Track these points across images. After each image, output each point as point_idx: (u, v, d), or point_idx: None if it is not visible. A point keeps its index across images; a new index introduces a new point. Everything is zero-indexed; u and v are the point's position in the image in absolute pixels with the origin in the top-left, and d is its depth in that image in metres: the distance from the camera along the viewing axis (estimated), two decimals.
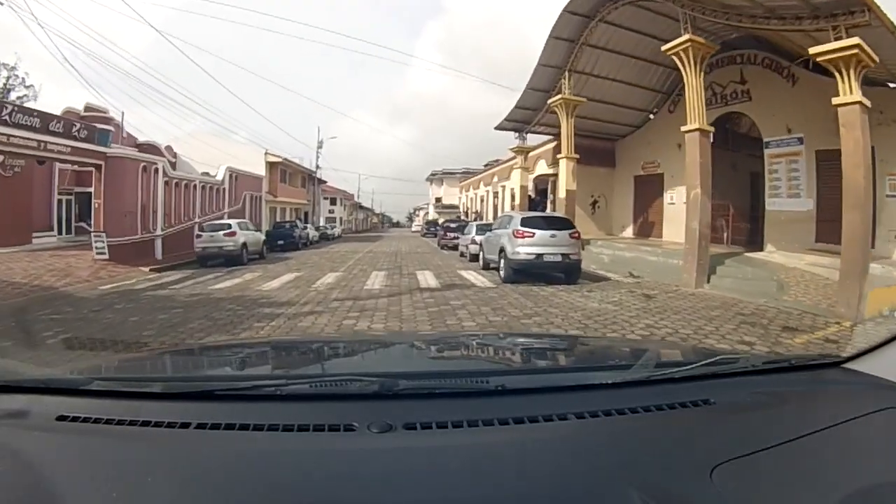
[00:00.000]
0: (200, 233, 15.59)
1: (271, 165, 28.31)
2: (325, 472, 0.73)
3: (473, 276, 11.09)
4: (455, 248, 20.06)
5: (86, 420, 0.85)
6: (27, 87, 27.36)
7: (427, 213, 62.97)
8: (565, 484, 0.70)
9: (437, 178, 58.38)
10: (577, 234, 10.20)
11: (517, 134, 18.24)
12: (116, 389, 1.00)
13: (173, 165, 25.34)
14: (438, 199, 57.05)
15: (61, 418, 0.86)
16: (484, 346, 1.81)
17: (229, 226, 15.34)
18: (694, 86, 11.52)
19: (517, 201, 18.48)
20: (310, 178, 36.60)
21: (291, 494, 0.68)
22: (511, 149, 18.44)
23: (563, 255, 9.76)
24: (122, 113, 19.81)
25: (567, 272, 10.04)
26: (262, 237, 17.63)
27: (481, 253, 12.44)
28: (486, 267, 11.94)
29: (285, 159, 28.71)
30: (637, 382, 1.05)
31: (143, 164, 16.97)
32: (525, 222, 9.95)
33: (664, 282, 10.86)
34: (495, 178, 29.42)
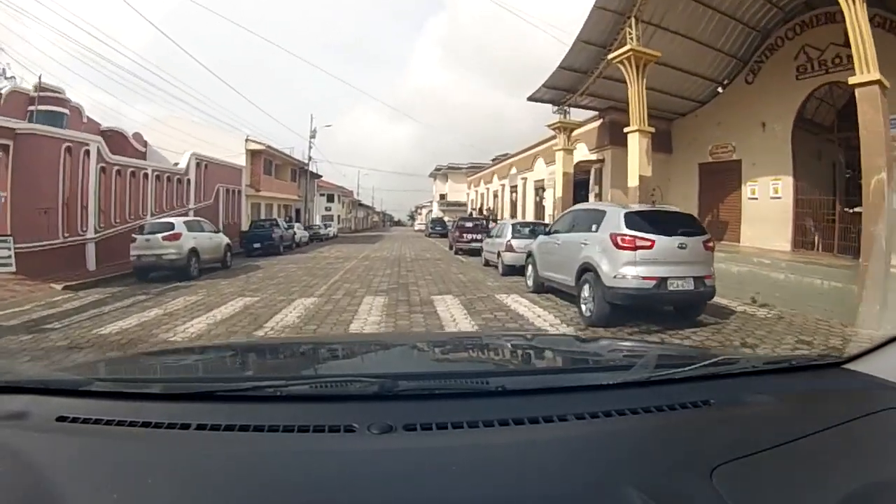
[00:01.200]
0: (136, 235, 11.55)
1: (253, 154, 24.20)
2: (326, 473, 0.72)
3: (528, 310, 7.05)
4: (474, 252, 15.96)
5: (86, 420, 0.84)
6: (7, 79, 24.06)
7: (430, 211, 59.24)
8: (565, 484, 0.70)
9: (441, 173, 54.32)
10: (711, 244, 6.11)
11: (556, 108, 14.11)
12: (116, 390, 0.99)
13: (143, 155, 21.54)
14: (443, 196, 53.12)
15: (61, 419, 0.85)
16: (484, 346, 1.79)
17: (171, 226, 11.30)
18: (859, 20, 7.56)
19: (558, 194, 14.29)
20: (302, 172, 32.45)
21: (291, 495, 0.67)
22: (550, 125, 14.31)
23: (695, 279, 5.67)
24: (40, 77, 15.76)
25: (690, 306, 5.98)
26: (225, 241, 13.53)
27: (530, 267, 8.40)
28: (540, 289, 7.86)
29: (269, 146, 24.55)
30: (637, 383, 1.03)
31: (67, 145, 12.91)
32: (633, 221, 5.73)
33: (813, 315, 6.90)
34: (513, 170, 25.24)
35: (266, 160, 25.26)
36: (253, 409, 0.90)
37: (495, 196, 29.73)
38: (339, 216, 53.44)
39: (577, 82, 13.11)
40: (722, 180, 14.97)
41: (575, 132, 16.07)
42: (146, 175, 16.00)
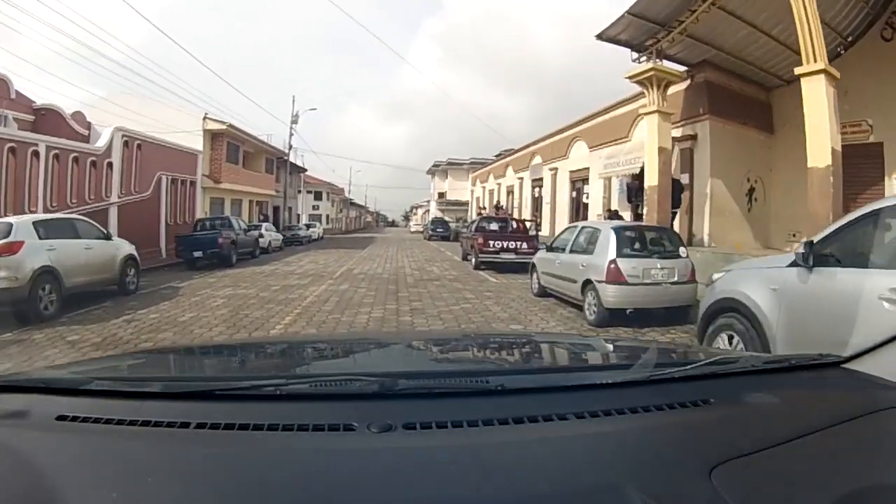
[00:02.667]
0: None
1: (213, 136, 19.34)
2: (325, 471, 0.71)
3: None
4: (504, 268, 11.34)
5: (86, 420, 0.83)
6: None
7: (427, 210, 54.67)
8: (565, 483, 0.69)
9: (440, 169, 49.57)
10: None
11: (638, 55, 9.47)
12: (116, 389, 0.98)
13: (86, 139, 16.79)
14: (442, 195, 48.47)
15: (61, 418, 0.84)
16: (484, 345, 1.75)
17: (5, 230, 6.54)
18: None
19: (650, 181, 9.18)
20: (281, 163, 27.54)
21: (291, 494, 0.67)
22: (634, 76, 9.43)
23: None
24: None
25: None
26: (125, 252, 8.67)
27: (734, 337, 3.33)
28: None
29: (233, 126, 19.45)
30: (637, 382, 1.02)
31: None
32: None
33: None
34: (535, 160, 20.56)
35: (230, 144, 20.31)
36: (253, 408, 0.89)
37: (509, 193, 25.03)
38: (327, 216, 48.77)
39: (677, 11, 8.50)
40: (852, 171, 10.56)
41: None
42: (37, 153, 11.20)
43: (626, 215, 13.46)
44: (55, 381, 1.06)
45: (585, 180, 15.72)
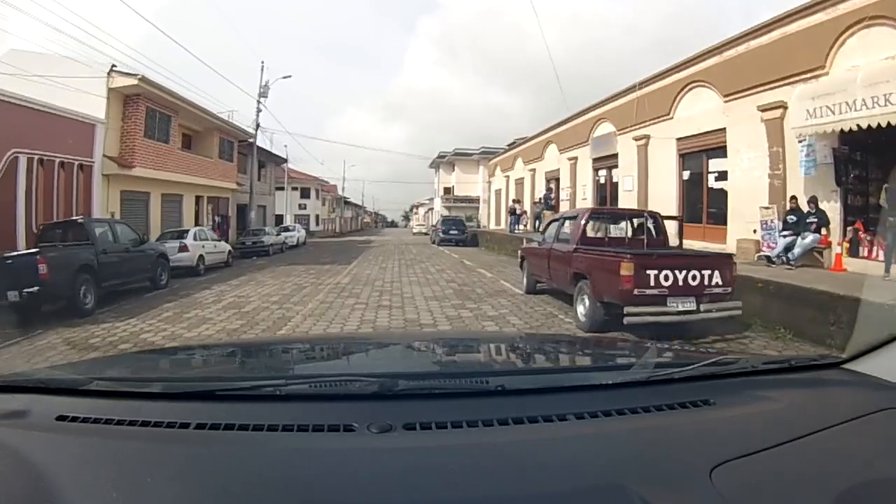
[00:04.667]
0: None
1: (126, 100, 13.07)
2: (325, 472, 0.71)
3: None
4: (653, 328, 4.79)
5: (86, 420, 0.83)
6: None
7: (431, 209, 48.62)
8: (565, 484, 0.69)
9: (445, 161, 43.28)
10: None
11: None
12: (116, 389, 0.98)
13: None
14: (448, 190, 42.25)
15: (61, 418, 0.84)
16: (483, 346, 1.75)
17: None
18: None
19: None
20: (245, 148, 21.21)
21: (291, 494, 0.66)
22: None
23: None
24: None
25: None
26: None
27: None
28: None
29: (145, 79, 12.51)
30: (637, 383, 1.01)
31: None
32: None
33: None
34: (602, 129, 14.25)
35: (153, 112, 13.84)
36: (253, 409, 0.88)
37: (550, 180, 18.78)
38: (317, 216, 42.63)
39: None
40: None
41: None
42: None
43: (830, 209, 7.29)
44: (55, 381, 1.06)
45: (713, 150, 9.54)
